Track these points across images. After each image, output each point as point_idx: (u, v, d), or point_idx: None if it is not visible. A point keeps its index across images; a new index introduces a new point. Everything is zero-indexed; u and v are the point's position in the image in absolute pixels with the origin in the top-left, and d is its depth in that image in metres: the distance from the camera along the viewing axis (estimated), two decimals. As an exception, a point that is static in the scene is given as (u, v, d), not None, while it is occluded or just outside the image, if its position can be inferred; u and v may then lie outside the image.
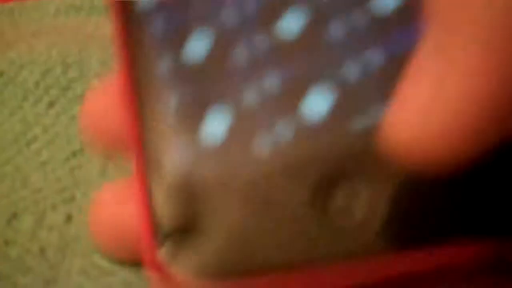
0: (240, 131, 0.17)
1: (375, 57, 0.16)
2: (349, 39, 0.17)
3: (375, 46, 0.16)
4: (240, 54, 0.17)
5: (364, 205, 0.16)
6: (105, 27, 0.37)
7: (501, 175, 0.15)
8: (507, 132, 0.14)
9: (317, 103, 0.16)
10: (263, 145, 0.16)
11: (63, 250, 0.27)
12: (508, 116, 0.13)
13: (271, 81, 0.17)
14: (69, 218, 0.28)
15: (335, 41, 0.17)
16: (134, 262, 0.19)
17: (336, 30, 0.17)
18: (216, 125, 0.17)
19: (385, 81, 0.16)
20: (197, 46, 0.18)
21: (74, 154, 0.32)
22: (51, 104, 0.34)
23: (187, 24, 0.18)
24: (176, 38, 0.18)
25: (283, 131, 0.16)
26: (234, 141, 0.17)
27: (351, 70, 0.16)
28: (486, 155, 0.14)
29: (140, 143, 0.18)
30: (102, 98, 0.21)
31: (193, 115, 0.17)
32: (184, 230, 0.16)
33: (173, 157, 0.17)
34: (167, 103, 0.17)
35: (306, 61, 0.17)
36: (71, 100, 0.34)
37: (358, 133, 0.16)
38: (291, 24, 0.17)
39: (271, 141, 0.16)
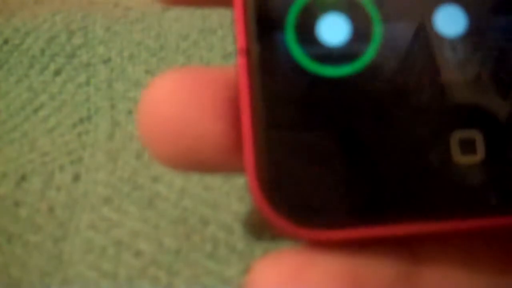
0: None
1: None
2: None
3: None
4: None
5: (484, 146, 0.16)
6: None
7: None
8: None
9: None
10: None
11: (72, 208, 0.28)
12: None
13: None
14: (77, 177, 0.30)
15: None
16: (191, 169, 0.18)
17: None
18: None
19: None
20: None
21: (81, 120, 0.33)
22: (57, 72, 0.35)
23: None
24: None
25: None
26: None
27: None
28: None
29: None
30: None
31: None
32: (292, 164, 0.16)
33: None
34: None
35: None
36: (77, 68, 0.36)
37: None
38: None
39: None
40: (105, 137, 0.32)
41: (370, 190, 0.16)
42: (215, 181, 0.29)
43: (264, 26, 0.17)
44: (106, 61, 0.36)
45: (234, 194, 0.28)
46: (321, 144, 0.17)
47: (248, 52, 0.17)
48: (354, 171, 0.17)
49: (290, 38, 0.17)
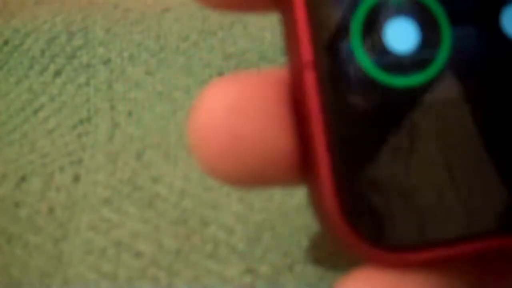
0: None
1: None
2: None
3: None
4: None
5: None
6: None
7: None
8: None
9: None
10: None
11: (72, 208, 0.28)
12: None
13: None
14: (76, 178, 0.30)
15: None
16: (251, 185, 0.17)
17: None
18: None
19: None
20: None
21: (81, 121, 0.33)
22: (57, 73, 0.36)
23: None
24: None
25: None
26: None
27: None
28: None
29: None
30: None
31: None
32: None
33: None
34: None
35: None
36: (77, 69, 0.36)
37: None
38: None
39: None
40: (105, 138, 0.33)
41: (449, 209, 0.16)
42: (215, 181, 0.29)
43: (330, 37, 0.16)
44: (106, 62, 0.36)
45: (234, 195, 0.29)
46: (399, 160, 0.16)
47: (314, 65, 0.16)
48: (433, 187, 0.16)
49: (357, 47, 0.16)
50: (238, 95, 0.16)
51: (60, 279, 0.27)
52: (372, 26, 0.16)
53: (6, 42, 0.36)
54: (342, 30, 0.16)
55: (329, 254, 0.26)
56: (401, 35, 0.16)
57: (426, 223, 0.16)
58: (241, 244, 0.27)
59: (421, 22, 0.16)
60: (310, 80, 0.16)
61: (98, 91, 0.35)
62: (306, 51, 0.16)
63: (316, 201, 0.16)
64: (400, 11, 0.16)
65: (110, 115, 0.34)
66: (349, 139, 0.16)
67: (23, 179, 0.30)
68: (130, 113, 0.34)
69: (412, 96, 0.16)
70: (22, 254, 0.27)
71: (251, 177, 0.17)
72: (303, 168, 0.16)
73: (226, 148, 0.16)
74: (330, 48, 0.16)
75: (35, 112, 0.34)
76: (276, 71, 0.17)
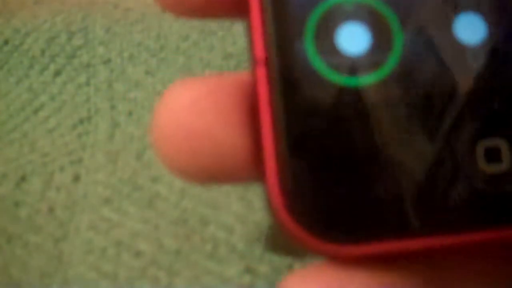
0: None
1: None
2: None
3: None
4: None
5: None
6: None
7: None
8: None
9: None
10: None
11: (72, 208, 0.29)
12: None
13: None
14: (76, 177, 0.30)
15: None
16: (209, 181, 0.17)
17: None
18: None
19: None
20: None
21: (81, 121, 0.34)
22: (57, 73, 0.36)
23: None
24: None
25: None
26: None
27: None
28: None
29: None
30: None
31: None
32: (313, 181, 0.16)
33: None
34: None
35: None
36: (77, 69, 0.36)
37: None
38: None
39: None
40: (105, 137, 0.33)
41: (395, 203, 0.16)
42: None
43: (283, 36, 0.17)
44: (106, 61, 0.36)
45: (234, 194, 0.29)
46: (347, 156, 0.16)
47: (267, 62, 0.17)
48: (381, 183, 0.16)
49: (309, 47, 0.17)
50: (197, 95, 0.17)
51: (60, 279, 0.27)
52: (326, 28, 0.17)
53: (6, 42, 0.36)
54: (296, 30, 0.17)
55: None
56: (354, 38, 0.17)
57: (370, 217, 0.16)
58: (241, 244, 0.27)
59: (373, 27, 0.17)
60: (261, 77, 0.17)
61: (98, 91, 0.35)
62: (259, 49, 0.17)
63: (265, 196, 0.17)
64: (353, 16, 0.17)
65: (110, 115, 0.34)
66: (295, 136, 0.16)
67: (23, 178, 0.30)
68: (130, 113, 0.34)
69: (361, 96, 0.17)
70: (22, 254, 0.27)
71: (208, 174, 0.17)
72: (257, 167, 0.17)
73: (183, 146, 0.17)
74: (283, 47, 0.17)
75: (35, 111, 0.34)
76: (239, 74, 0.18)
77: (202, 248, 0.27)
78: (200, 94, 0.17)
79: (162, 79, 0.35)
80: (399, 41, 0.17)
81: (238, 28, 0.37)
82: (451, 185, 0.16)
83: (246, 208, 0.28)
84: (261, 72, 0.17)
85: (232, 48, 0.36)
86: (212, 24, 0.37)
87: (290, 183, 0.16)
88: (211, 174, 0.17)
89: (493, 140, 0.16)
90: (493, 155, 0.16)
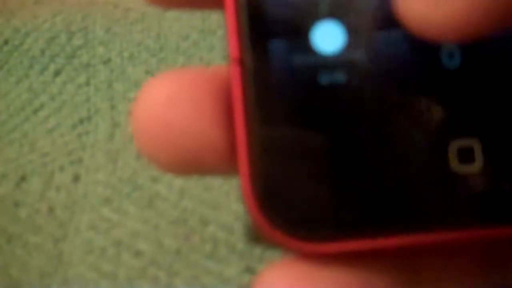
0: None
1: None
2: None
3: None
4: None
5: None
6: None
7: None
8: None
9: None
10: None
11: (72, 208, 0.29)
12: None
13: None
14: (76, 177, 0.30)
15: None
16: (189, 172, 0.17)
17: None
18: None
19: None
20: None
21: (81, 121, 0.34)
22: (57, 72, 0.36)
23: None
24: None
25: None
26: None
27: None
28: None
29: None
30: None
31: None
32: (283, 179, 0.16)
33: None
34: None
35: None
36: (77, 69, 0.36)
37: None
38: None
39: None
40: (105, 137, 0.33)
41: (367, 202, 0.16)
42: (215, 181, 0.29)
43: (257, 35, 0.17)
44: (106, 61, 0.36)
45: (234, 194, 0.29)
46: (316, 154, 0.17)
47: (241, 61, 0.17)
48: (350, 182, 0.16)
49: (283, 46, 0.17)
50: (176, 88, 0.17)
51: (60, 279, 0.27)
52: (300, 27, 0.17)
53: (6, 42, 0.36)
54: (270, 29, 0.17)
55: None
56: (327, 36, 0.17)
57: (336, 216, 0.16)
58: (241, 244, 0.27)
59: (347, 25, 0.17)
60: (235, 75, 0.17)
61: (98, 91, 0.35)
62: (234, 48, 0.17)
63: (240, 191, 0.17)
64: (327, 14, 0.17)
65: (110, 115, 0.34)
66: (267, 133, 0.17)
67: (23, 178, 0.30)
68: (130, 113, 0.34)
69: (334, 94, 0.17)
70: (22, 254, 0.27)
71: (186, 166, 0.17)
72: (234, 160, 0.17)
73: (161, 138, 0.17)
74: (256, 45, 0.17)
75: (35, 111, 0.34)
76: (216, 68, 0.18)
77: (202, 248, 0.27)
78: (178, 87, 0.17)
79: (162, 79, 0.35)
80: (373, 38, 0.17)
81: (238, 28, 0.37)
82: (423, 185, 0.16)
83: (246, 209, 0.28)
84: (235, 71, 0.17)
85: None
86: (212, 24, 0.37)
87: (262, 183, 0.16)
88: (191, 166, 0.17)
89: (466, 140, 0.17)
90: (466, 156, 0.16)
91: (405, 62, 0.17)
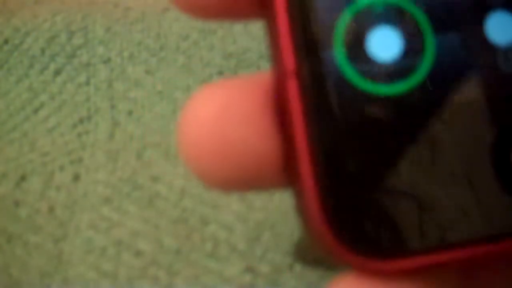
0: None
1: None
2: None
3: None
4: None
5: None
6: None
7: None
8: None
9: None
10: None
11: (72, 207, 0.29)
12: None
13: None
14: (76, 177, 0.30)
15: None
16: (241, 189, 0.17)
17: None
18: None
19: None
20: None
21: (81, 120, 0.33)
22: (57, 72, 0.36)
23: None
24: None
25: None
26: None
27: None
28: None
29: None
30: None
31: None
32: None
33: None
34: None
35: None
36: (77, 68, 0.36)
37: None
38: None
39: None
40: (105, 137, 0.33)
41: (433, 216, 0.16)
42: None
43: (312, 45, 0.16)
44: (106, 61, 0.36)
45: (234, 194, 0.29)
46: (383, 169, 0.16)
47: (297, 74, 0.16)
48: (416, 196, 0.16)
49: (340, 56, 0.16)
50: (225, 102, 0.17)
51: (60, 279, 0.27)
52: (355, 35, 0.16)
53: (6, 41, 0.36)
54: (324, 39, 0.16)
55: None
56: (384, 43, 0.16)
57: (408, 232, 0.16)
58: (241, 243, 0.27)
59: (404, 30, 0.16)
60: (293, 89, 0.16)
61: (98, 90, 0.35)
62: (289, 60, 0.16)
63: (300, 206, 0.16)
64: (382, 20, 0.16)
65: (110, 114, 0.34)
66: (332, 148, 0.16)
67: (23, 178, 0.30)
68: (130, 112, 0.34)
69: (396, 104, 0.16)
70: (22, 253, 0.27)
71: (239, 182, 0.17)
72: (287, 173, 0.16)
73: (214, 154, 0.16)
74: (312, 57, 0.16)
75: (35, 111, 0.34)
76: (262, 77, 0.17)
77: (202, 247, 0.27)
78: (228, 99, 0.16)
79: (162, 79, 0.35)
80: (430, 45, 0.16)
81: (238, 27, 0.37)
82: (487, 194, 0.16)
83: (246, 208, 0.28)
84: (292, 85, 0.16)
85: (232, 48, 0.36)
86: (212, 24, 0.37)
87: (329, 198, 0.16)
88: (244, 182, 0.17)
89: None
90: None
91: (468, 68, 0.17)
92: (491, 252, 0.16)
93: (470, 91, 0.16)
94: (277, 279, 0.26)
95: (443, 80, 0.16)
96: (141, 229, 0.27)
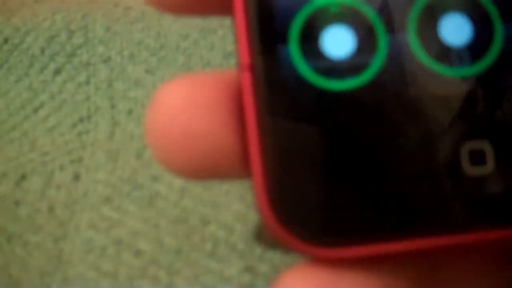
0: None
1: None
2: None
3: None
4: None
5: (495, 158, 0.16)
6: (108, -7, 0.39)
7: None
8: None
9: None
10: None
11: (72, 207, 0.29)
12: None
13: None
14: (76, 176, 0.30)
15: None
16: (203, 178, 0.18)
17: None
18: None
19: None
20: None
21: (81, 120, 0.33)
22: (57, 71, 0.36)
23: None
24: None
25: None
26: None
27: None
28: None
29: None
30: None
31: None
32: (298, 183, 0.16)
33: None
34: None
35: None
36: (77, 67, 0.36)
37: None
38: None
39: None
40: (105, 136, 0.33)
41: (382, 206, 0.16)
42: (215, 180, 0.29)
43: (268, 41, 0.17)
44: (106, 60, 0.36)
45: (234, 194, 0.29)
46: (331, 159, 0.16)
47: (252, 68, 0.17)
48: (364, 187, 0.16)
49: (294, 52, 0.17)
50: (190, 94, 0.17)
51: (60, 278, 0.27)
52: (310, 32, 0.17)
53: (6, 41, 0.36)
54: (280, 36, 0.17)
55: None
56: (338, 41, 0.17)
57: (352, 220, 0.16)
58: (241, 243, 0.27)
59: (358, 29, 0.17)
60: (247, 82, 0.17)
61: (98, 90, 0.35)
62: (244, 55, 0.17)
63: (253, 196, 0.17)
64: (337, 19, 0.17)
65: (110, 114, 0.34)
66: (281, 139, 0.17)
67: (23, 177, 0.30)
68: (130, 112, 0.34)
69: (347, 100, 0.17)
70: (22, 253, 0.27)
71: (201, 170, 0.18)
72: (247, 165, 0.17)
73: (178, 143, 0.17)
74: (267, 51, 0.17)
75: (35, 110, 0.34)
76: (228, 72, 0.18)
77: (202, 247, 0.27)
78: (193, 92, 0.17)
79: (162, 78, 0.35)
80: (383, 44, 0.17)
81: (238, 26, 0.37)
82: (435, 188, 0.16)
83: (246, 208, 0.28)
84: (246, 77, 0.17)
85: (232, 47, 0.36)
86: (212, 23, 0.37)
87: (277, 189, 0.16)
88: (206, 172, 0.18)
89: (477, 143, 0.17)
90: (477, 158, 0.16)
91: (415, 65, 0.17)
92: (436, 245, 0.16)
93: (420, 88, 0.17)
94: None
95: (394, 77, 0.17)
96: (141, 228, 0.27)
